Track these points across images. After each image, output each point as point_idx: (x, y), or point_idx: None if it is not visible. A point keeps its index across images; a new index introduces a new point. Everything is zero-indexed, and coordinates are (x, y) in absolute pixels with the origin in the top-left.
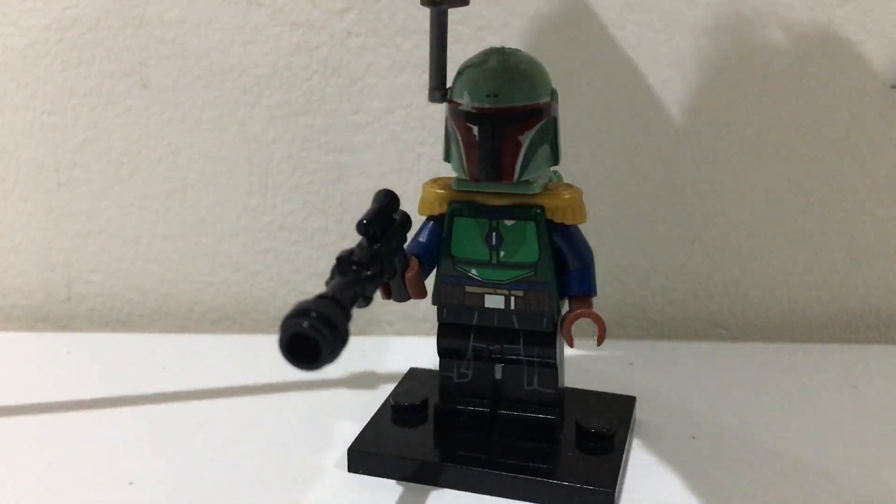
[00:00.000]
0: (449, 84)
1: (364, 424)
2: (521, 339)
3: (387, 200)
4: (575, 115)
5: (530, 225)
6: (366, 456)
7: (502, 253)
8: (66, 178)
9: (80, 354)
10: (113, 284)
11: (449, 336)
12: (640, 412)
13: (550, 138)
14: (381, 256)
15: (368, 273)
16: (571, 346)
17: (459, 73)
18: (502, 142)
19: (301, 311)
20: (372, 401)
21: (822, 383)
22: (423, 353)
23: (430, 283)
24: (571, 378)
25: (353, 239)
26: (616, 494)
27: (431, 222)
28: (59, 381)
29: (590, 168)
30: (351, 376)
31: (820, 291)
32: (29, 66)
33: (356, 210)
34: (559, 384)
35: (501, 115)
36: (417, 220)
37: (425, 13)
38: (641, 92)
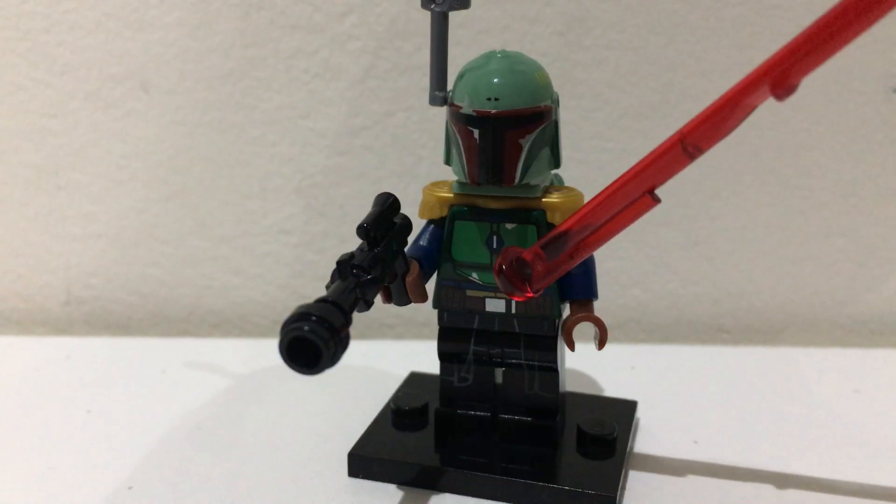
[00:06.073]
0: (450, 87)
1: (364, 428)
2: (522, 343)
3: (387, 204)
4: (576, 119)
5: (531, 228)
6: (366, 460)
7: None
8: (66, 181)
9: (79, 358)
10: (112, 288)
11: (449, 340)
12: (641, 416)
13: (552, 142)
14: (381, 260)
15: (369, 277)
16: (572, 349)
17: (460, 77)
18: (503, 145)
19: (302, 315)
20: (372, 405)
21: (825, 388)
22: (423, 357)
23: (430, 286)
24: (572, 382)
25: (353, 243)
26: (617, 499)
27: (432, 226)
28: (59, 385)
29: (591, 172)
30: (351, 380)
31: (823, 296)
32: (28, 69)
33: (356, 214)
34: (560, 388)
35: (502, 119)
36: (418, 224)
37: (426, 16)
38: (643, 95)
